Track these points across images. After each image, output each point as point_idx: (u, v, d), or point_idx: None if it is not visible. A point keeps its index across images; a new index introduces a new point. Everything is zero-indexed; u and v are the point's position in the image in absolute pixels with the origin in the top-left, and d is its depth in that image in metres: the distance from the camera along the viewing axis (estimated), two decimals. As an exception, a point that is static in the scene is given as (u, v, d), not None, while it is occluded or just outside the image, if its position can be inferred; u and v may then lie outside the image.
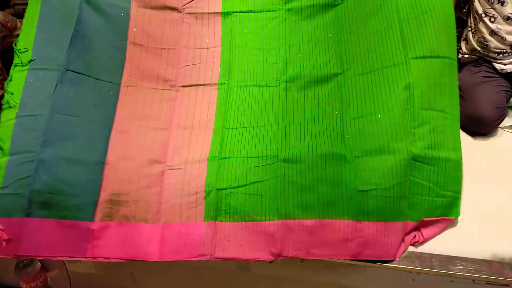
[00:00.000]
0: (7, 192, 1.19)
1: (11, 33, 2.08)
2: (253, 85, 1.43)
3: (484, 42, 1.67)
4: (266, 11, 1.53)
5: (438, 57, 1.29)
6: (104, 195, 1.23)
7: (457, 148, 1.26)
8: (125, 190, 1.24)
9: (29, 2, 1.45)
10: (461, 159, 1.25)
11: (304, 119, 1.33)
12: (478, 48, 1.71)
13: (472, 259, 1.15)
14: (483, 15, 1.65)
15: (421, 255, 1.17)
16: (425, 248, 1.19)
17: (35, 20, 1.40)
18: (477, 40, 1.71)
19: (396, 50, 1.32)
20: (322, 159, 1.23)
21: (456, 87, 1.30)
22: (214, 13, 1.55)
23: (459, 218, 1.23)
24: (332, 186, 1.19)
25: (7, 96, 1.32)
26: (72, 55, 1.39)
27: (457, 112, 1.29)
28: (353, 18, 1.44)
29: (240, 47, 1.50)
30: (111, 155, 1.29)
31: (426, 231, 1.20)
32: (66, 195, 1.20)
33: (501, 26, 1.61)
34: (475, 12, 1.68)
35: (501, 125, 1.63)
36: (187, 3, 1.55)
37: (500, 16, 1.61)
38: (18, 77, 1.34)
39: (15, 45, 1.38)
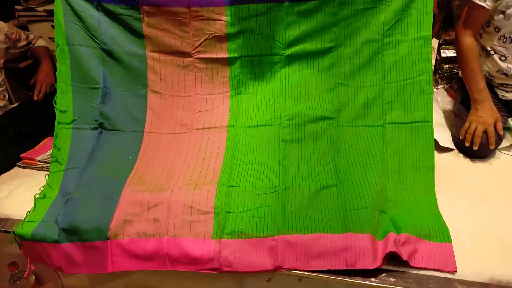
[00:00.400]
0: (45, 223, 1.34)
1: (15, 44, 2.10)
2: (258, 125, 1.58)
3: (489, 77, 1.67)
4: (269, 55, 1.64)
5: (411, 122, 1.47)
6: (118, 217, 1.31)
7: (430, 194, 1.37)
8: (137, 211, 1.33)
9: (57, 58, 1.60)
10: (435, 201, 1.35)
11: (302, 159, 1.48)
12: None
13: (469, 281, 1.14)
14: (491, 52, 1.63)
15: (418, 277, 1.16)
16: (422, 270, 1.18)
17: (69, 79, 1.61)
18: None
19: (376, 113, 1.52)
20: (318, 191, 1.36)
21: (430, 143, 1.44)
22: (221, 58, 1.65)
23: (457, 240, 1.23)
24: (326, 210, 1.30)
25: (55, 151, 1.55)
26: (104, 113, 1.60)
27: (431, 165, 1.42)
28: (344, 68, 1.58)
29: (246, 93, 1.66)
30: (127, 188, 1.41)
31: (423, 255, 1.20)
32: (86, 221, 1.30)
33: (511, 65, 1.60)
34: (481, 46, 1.67)
35: (498, 147, 1.64)
36: (196, 47, 1.64)
37: (511, 56, 1.60)
38: (63, 134, 1.57)
39: (55, 103, 1.59)
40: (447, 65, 2.07)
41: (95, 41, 1.61)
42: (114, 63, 1.63)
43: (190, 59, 1.66)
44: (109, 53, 1.62)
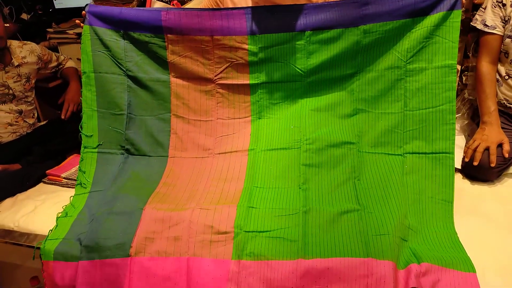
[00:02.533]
0: (67, 241, 1.37)
1: (46, 65, 2.18)
2: (278, 149, 1.59)
3: (508, 104, 1.67)
4: (290, 82, 1.65)
5: (432, 153, 1.46)
6: (140, 234, 1.33)
7: (449, 227, 1.34)
8: (159, 229, 1.34)
9: (83, 85, 1.66)
10: (455, 233, 1.31)
11: (322, 184, 1.47)
12: (499, 107, 1.69)
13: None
14: (506, 77, 1.64)
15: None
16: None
17: (94, 105, 1.68)
18: (498, 101, 1.69)
19: (397, 141, 1.53)
20: (339, 215, 1.35)
21: (451, 176, 1.41)
22: (243, 84, 1.67)
23: (482, 270, 1.20)
24: (347, 234, 1.29)
25: (80, 175, 1.62)
26: (130, 138, 1.68)
27: (450, 198, 1.40)
28: (365, 93, 1.58)
29: (267, 118, 1.68)
30: (148, 206, 1.43)
31: (446, 284, 1.17)
32: (109, 238, 1.33)
33: None
34: (498, 74, 1.68)
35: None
36: (218, 74, 1.67)
37: None
38: (89, 158, 1.65)
39: (81, 128, 1.66)
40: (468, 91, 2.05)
41: (121, 68, 1.66)
42: (139, 89, 1.68)
43: (212, 84, 1.69)
44: (134, 79, 1.67)
